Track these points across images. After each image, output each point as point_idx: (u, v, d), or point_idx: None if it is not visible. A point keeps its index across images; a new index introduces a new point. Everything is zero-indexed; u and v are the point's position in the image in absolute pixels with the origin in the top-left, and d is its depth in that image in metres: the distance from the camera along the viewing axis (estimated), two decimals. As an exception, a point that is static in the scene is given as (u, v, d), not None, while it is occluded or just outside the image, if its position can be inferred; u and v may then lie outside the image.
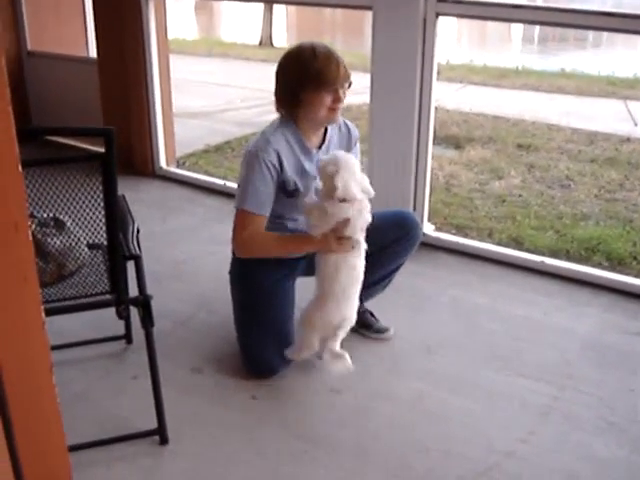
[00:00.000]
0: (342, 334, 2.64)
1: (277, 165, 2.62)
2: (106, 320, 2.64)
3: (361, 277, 2.63)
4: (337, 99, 2.62)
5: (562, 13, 3.44)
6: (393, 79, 3.71)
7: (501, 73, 10.55)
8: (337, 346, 2.63)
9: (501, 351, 2.96)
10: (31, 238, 2.23)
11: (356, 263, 2.60)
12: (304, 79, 2.59)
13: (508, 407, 2.63)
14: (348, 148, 2.83)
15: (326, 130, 2.79)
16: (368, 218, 2.55)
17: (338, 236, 2.52)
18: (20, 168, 1.17)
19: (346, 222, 2.50)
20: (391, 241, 2.85)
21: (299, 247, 2.70)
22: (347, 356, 2.61)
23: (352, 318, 2.66)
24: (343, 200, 2.48)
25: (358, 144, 2.92)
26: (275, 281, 2.85)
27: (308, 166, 2.70)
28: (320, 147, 2.76)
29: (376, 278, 2.97)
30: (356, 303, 2.66)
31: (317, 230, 2.55)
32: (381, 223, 2.72)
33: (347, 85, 2.66)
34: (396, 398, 2.67)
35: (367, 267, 2.84)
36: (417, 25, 3.53)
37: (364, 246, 2.60)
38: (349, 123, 2.90)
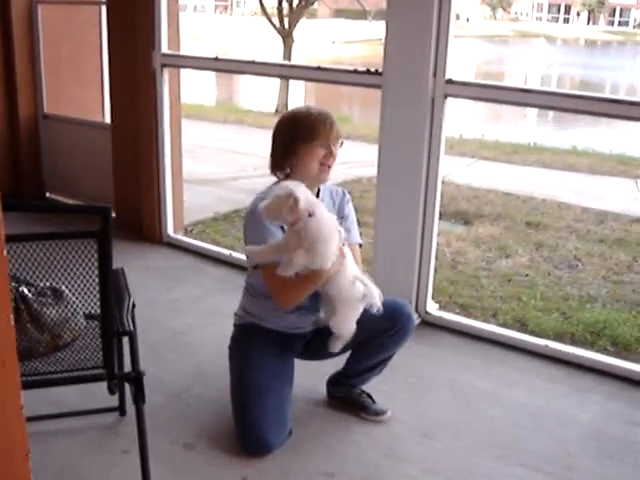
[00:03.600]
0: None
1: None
2: (100, 391, 2.60)
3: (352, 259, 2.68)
4: (329, 154, 2.71)
5: (571, 99, 3.47)
6: (400, 155, 3.73)
7: (513, 149, 10.60)
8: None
9: (500, 438, 2.90)
10: (23, 307, 2.23)
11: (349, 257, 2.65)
12: (298, 132, 2.71)
13: (505, 498, 2.57)
14: (340, 207, 2.91)
15: (318, 191, 2.85)
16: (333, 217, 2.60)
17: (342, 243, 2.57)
18: (5, 252, 1.16)
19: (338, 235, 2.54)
20: (379, 333, 2.82)
21: (325, 277, 2.59)
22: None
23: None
24: (312, 214, 2.47)
25: (351, 204, 2.98)
26: (274, 357, 2.85)
27: None
28: None
29: (367, 366, 2.96)
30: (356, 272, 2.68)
31: (328, 259, 2.52)
32: (370, 313, 2.71)
33: (339, 144, 2.75)
34: (390, 485, 2.61)
35: (357, 356, 2.91)
36: (425, 105, 3.57)
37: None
38: (339, 188, 3.00)
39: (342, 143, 2.78)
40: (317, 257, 2.50)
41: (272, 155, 2.80)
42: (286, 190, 2.46)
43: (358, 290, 2.65)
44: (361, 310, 2.69)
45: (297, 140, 2.70)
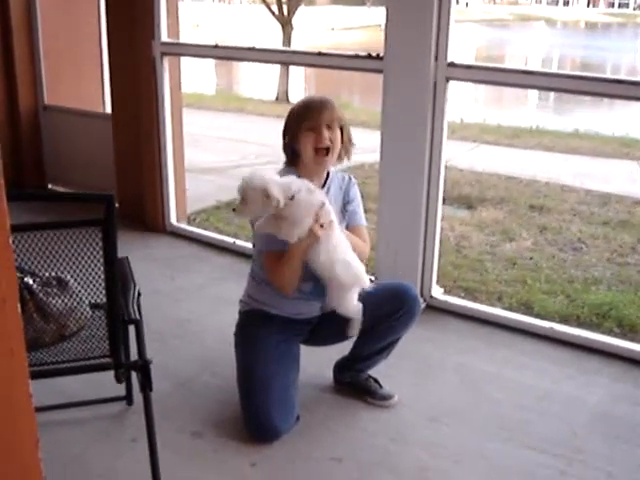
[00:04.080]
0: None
1: None
2: (107, 380, 2.60)
3: (346, 241, 2.70)
4: (319, 137, 2.71)
5: (573, 80, 3.46)
6: (403, 140, 3.72)
7: (515, 133, 10.57)
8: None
9: (507, 421, 2.90)
10: (29, 297, 2.23)
11: (336, 238, 2.65)
12: (294, 116, 2.78)
13: (513, 481, 2.57)
14: (346, 191, 2.92)
15: (327, 179, 2.87)
16: (321, 195, 2.62)
17: (319, 224, 2.58)
18: (10, 241, 1.15)
19: (321, 208, 2.58)
20: (386, 315, 2.82)
21: (298, 254, 2.64)
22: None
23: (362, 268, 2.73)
24: (292, 198, 2.52)
25: (356, 187, 2.99)
26: (279, 343, 2.86)
27: None
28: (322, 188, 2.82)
29: (374, 350, 2.96)
30: (355, 260, 2.71)
31: (293, 237, 2.57)
32: (377, 295, 2.74)
33: (335, 128, 2.75)
34: (398, 468, 2.61)
35: (364, 340, 2.89)
36: (427, 89, 3.55)
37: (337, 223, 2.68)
38: (346, 174, 3.01)
39: (342, 127, 2.78)
40: (281, 231, 2.57)
41: (282, 144, 2.86)
42: (259, 186, 2.49)
43: (348, 268, 2.67)
44: (354, 286, 2.72)
45: (295, 124, 2.75)
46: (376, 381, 3.04)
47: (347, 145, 2.83)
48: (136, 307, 2.36)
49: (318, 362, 3.17)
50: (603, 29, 40.78)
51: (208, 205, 6.02)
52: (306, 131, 2.72)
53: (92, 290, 2.27)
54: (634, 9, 47.93)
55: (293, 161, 2.82)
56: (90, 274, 2.23)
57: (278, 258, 2.68)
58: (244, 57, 5.11)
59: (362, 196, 3.03)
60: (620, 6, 48.85)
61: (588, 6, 49.59)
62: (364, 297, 2.75)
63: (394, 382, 3.08)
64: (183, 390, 3.10)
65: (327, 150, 2.74)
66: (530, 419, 2.93)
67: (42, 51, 5.70)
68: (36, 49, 5.69)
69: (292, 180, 2.58)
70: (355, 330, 2.77)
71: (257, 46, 4.42)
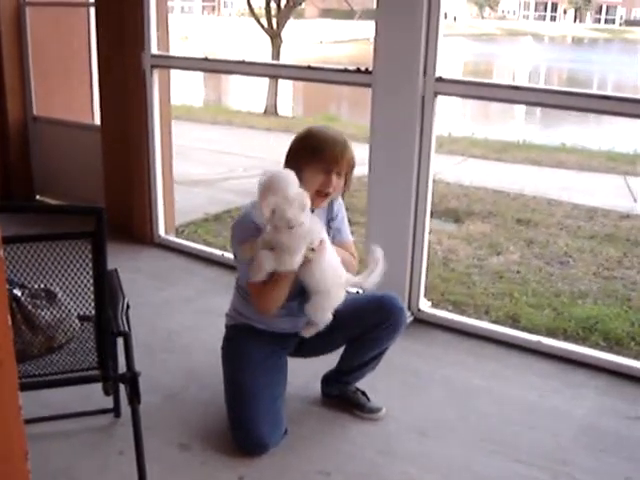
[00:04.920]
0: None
1: (256, 229, 2.59)
2: (94, 392, 2.60)
3: (336, 255, 2.68)
4: (327, 182, 2.64)
5: (560, 95, 3.49)
6: (391, 154, 3.74)
7: (502, 147, 10.62)
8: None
9: (495, 434, 2.91)
10: (17, 309, 2.23)
11: (328, 254, 2.62)
12: (305, 147, 2.67)
13: (500, 494, 2.58)
14: (330, 206, 2.86)
15: None
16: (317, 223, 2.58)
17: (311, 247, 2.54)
18: (1, 253, 1.16)
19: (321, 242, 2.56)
20: (372, 327, 2.82)
21: (288, 279, 2.60)
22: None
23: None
24: (292, 227, 2.44)
25: (340, 200, 2.92)
26: (267, 356, 2.85)
27: None
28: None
29: (361, 362, 2.96)
30: (343, 273, 2.71)
31: (294, 265, 2.53)
32: (363, 307, 2.75)
33: (345, 174, 2.69)
34: (386, 482, 2.61)
35: (351, 352, 2.90)
36: (415, 103, 3.57)
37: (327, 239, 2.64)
38: None
39: (346, 175, 2.71)
40: (282, 265, 2.52)
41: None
42: (298, 191, 2.43)
43: (336, 279, 2.67)
44: (338, 300, 2.70)
45: (302, 156, 2.64)
46: (364, 394, 3.05)
47: (344, 189, 2.78)
48: (125, 319, 2.36)
49: (305, 375, 3.17)
50: (590, 44, 41.10)
51: (196, 217, 6.02)
52: (316, 169, 2.63)
53: (81, 302, 2.27)
54: (620, 25, 48.35)
55: None
56: (79, 286, 2.24)
57: (264, 284, 2.60)
58: (234, 70, 5.13)
59: (347, 209, 3.01)
60: (606, 22, 49.28)
61: (575, 21, 49.98)
62: (350, 309, 2.75)
63: (382, 395, 3.09)
64: (171, 402, 3.09)
65: (327, 194, 2.68)
66: (517, 432, 2.94)
67: (31, 62, 5.69)
68: (25, 60, 5.68)
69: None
70: (309, 334, 2.78)
71: (247, 59, 4.44)
